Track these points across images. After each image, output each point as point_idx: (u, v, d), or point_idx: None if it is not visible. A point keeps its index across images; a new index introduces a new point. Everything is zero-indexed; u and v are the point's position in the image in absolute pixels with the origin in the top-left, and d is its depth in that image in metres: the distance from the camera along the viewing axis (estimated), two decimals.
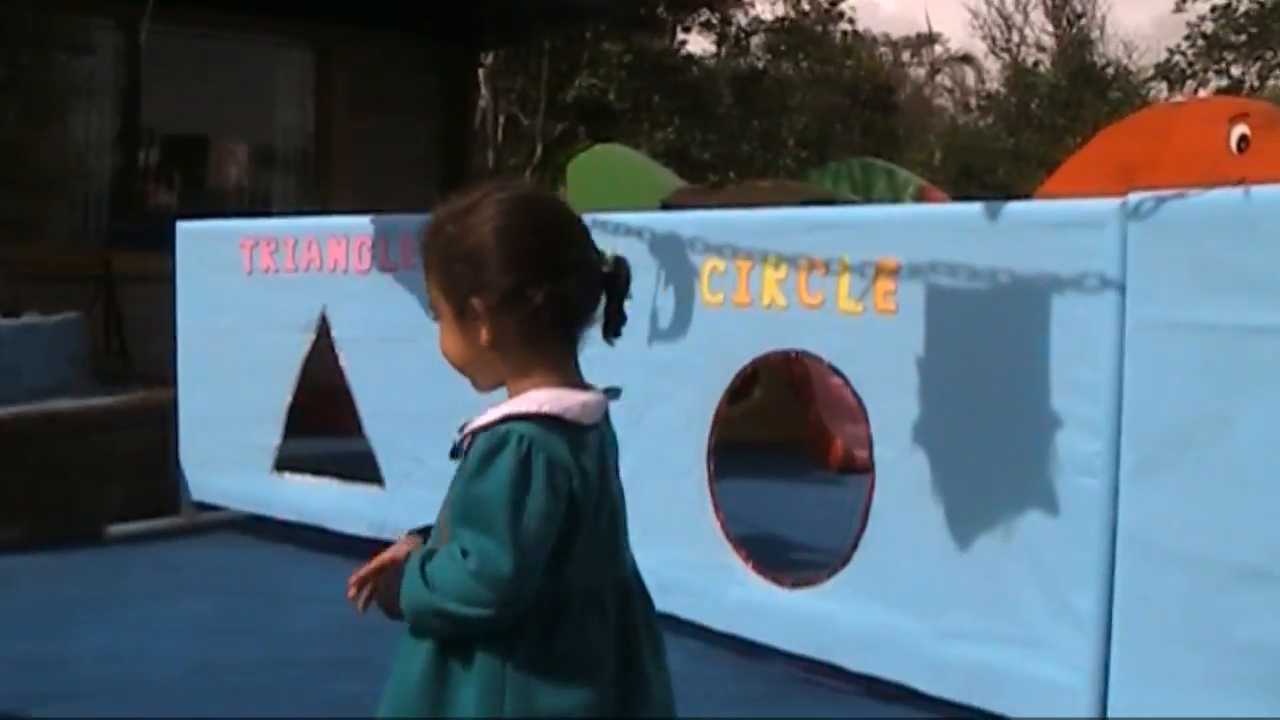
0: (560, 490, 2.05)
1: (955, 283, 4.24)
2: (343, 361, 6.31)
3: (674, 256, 5.08)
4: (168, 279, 7.21)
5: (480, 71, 15.63)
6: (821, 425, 9.58)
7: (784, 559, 5.55)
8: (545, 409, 2.08)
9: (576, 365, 2.22)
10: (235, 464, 6.87)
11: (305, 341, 6.44)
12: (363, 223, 6.21)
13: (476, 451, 2.08)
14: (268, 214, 10.58)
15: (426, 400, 5.87)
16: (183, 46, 10.81)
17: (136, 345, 9.69)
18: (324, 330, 6.40)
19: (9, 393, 7.06)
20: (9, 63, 7.97)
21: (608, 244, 5.33)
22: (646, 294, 5.19)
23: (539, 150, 20.66)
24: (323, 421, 6.56)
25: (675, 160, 19.00)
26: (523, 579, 2.03)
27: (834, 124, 26.11)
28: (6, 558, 6.41)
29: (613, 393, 2.25)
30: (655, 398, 5.13)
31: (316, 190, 12.10)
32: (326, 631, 5.21)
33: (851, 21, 28.76)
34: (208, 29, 11.19)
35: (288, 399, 6.51)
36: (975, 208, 4.31)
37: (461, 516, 2.07)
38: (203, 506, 7.18)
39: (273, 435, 6.67)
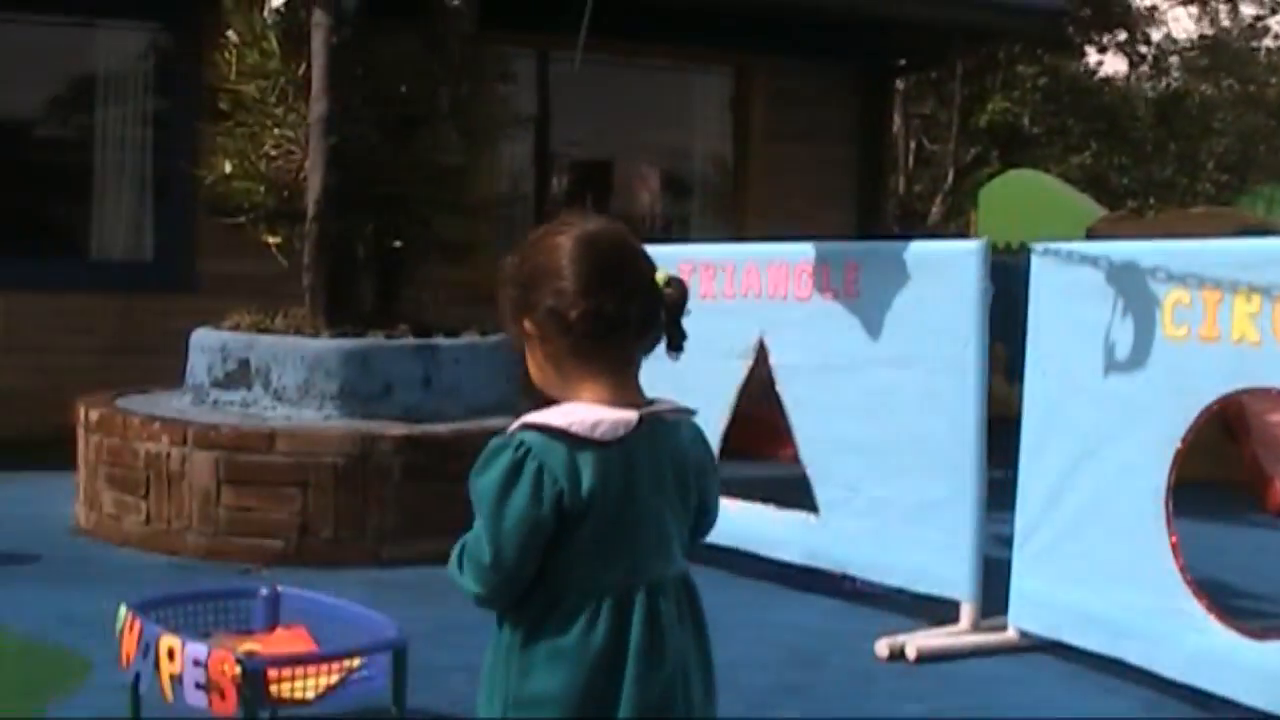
0: (544, 497, 2.22)
1: None
2: (780, 388, 6.28)
3: (1133, 286, 4.91)
4: None
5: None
6: (1258, 465, 9.10)
7: (1231, 606, 5.27)
8: (551, 421, 2.25)
9: (634, 381, 2.36)
10: None
11: (742, 368, 6.42)
12: (804, 249, 6.16)
13: (486, 448, 2.28)
14: (678, 240, 10.73)
15: (864, 429, 5.84)
16: (596, 73, 11.08)
17: None
18: (760, 357, 6.39)
19: (450, 410, 7.32)
20: (451, 95, 8.31)
21: (1060, 273, 5.20)
22: (1101, 324, 5.02)
23: (950, 176, 20.39)
24: (742, 446, 6.61)
25: (1090, 186, 18.45)
26: (498, 568, 2.25)
27: (1256, 146, 24.88)
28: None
29: (678, 410, 2.42)
30: (1110, 433, 4.96)
31: (730, 215, 12.21)
32: (765, 659, 5.20)
33: (1278, 37, 27.36)
34: (625, 56, 11.44)
35: (724, 423, 6.51)
36: None
37: (473, 503, 2.30)
38: None
39: None
